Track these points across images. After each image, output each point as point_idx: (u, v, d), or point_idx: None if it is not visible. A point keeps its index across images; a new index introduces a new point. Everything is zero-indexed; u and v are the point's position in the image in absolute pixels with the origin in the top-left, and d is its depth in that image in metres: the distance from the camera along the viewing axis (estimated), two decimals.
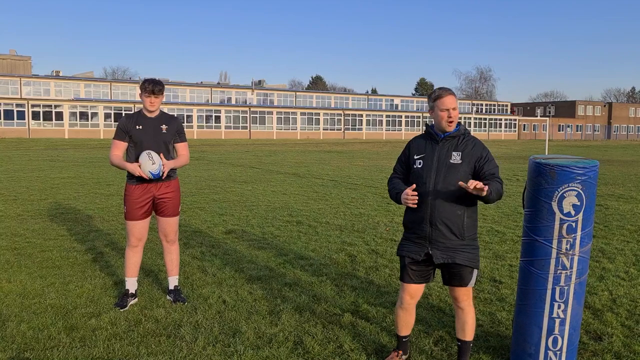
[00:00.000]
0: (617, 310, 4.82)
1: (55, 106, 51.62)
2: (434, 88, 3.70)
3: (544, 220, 3.45)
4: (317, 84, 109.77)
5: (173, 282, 5.06)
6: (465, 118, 73.57)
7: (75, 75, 64.61)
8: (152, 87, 4.68)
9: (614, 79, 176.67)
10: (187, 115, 57.06)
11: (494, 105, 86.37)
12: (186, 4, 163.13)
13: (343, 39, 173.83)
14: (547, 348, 3.55)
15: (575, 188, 3.35)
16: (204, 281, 5.54)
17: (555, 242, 3.42)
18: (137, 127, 4.74)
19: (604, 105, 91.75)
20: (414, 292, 3.61)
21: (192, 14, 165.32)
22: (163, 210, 4.90)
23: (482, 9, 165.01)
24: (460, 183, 3.26)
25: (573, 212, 3.37)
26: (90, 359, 3.78)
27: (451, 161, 3.42)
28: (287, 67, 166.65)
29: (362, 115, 68.12)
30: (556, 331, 3.53)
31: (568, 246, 3.41)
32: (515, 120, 79.98)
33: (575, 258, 3.43)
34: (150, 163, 4.60)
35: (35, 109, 50.57)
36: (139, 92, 4.78)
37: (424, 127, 3.66)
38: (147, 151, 4.65)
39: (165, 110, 5.07)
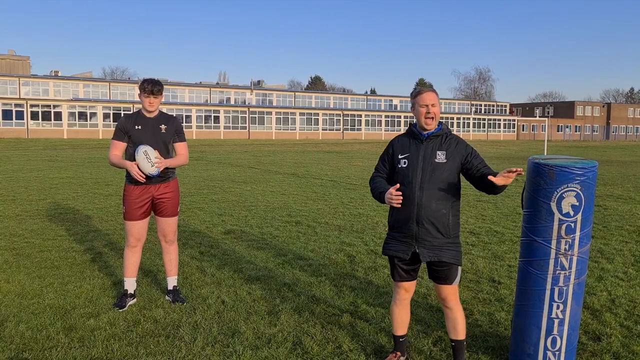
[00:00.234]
0: (615, 311, 4.83)
1: (54, 106, 51.57)
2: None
3: (542, 221, 3.45)
4: (316, 84, 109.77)
5: (172, 282, 5.06)
6: (464, 118, 73.63)
7: (74, 75, 64.57)
8: (151, 87, 4.68)
9: (612, 79, 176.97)
10: (186, 115, 57.04)
11: (493, 105, 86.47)
12: (185, 4, 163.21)
13: (342, 40, 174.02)
14: (546, 348, 3.56)
15: (574, 188, 3.36)
16: (203, 281, 5.54)
17: (554, 242, 3.43)
18: (137, 127, 4.74)
19: (603, 106, 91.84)
20: (408, 286, 3.68)
21: (191, 14, 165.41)
22: (162, 210, 4.90)
23: (481, 10, 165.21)
24: (491, 178, 3.28)
25: (572, 213, 3.38)
26: None
27: (436, 160, 3.47)
28: (286, 68, 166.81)
29: (361, 116, 68.12)
30: (555, 331, 3.53)
31: (567, 246, 3.41)
32: (514, 120, 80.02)
33: (574, 258, 3.44)
34: (150, 165, 4.60)
35: (34, 109, 50.53)
36: (138, 92, 4.78)
37: (407, 126, 3.68)
38: (143, 149, 4.62)
39: (165, 111, 5.05)
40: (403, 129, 69.71)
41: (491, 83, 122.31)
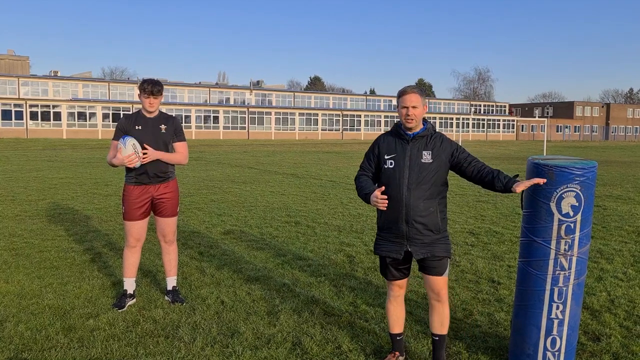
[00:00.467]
0: (615, 311, 4.83)
1: (54, 106, 51.56)
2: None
3: (542, 221, 3.45)
4: (315, 84, 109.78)
5: (171, 282, 5.05)
6: (463, 119, 73.62)
7: (73, 75, 64.56)
8: (151, 87, 4.68)
9: (612, 79, 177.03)
10: (185, 115, 57.04)
11: (492, 106, 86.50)
12: (185, 4, 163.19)
13: (341, 40, 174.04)
14: (545, 349, 3.56)
15: (574, 189, 3.36)
16: (202, 282, 5.54)
17: (553, 242, 3.43)
18: (137, 127, 4.74)
19: (602, 106, 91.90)
20: (401, 284, 3.71)
21: (191, 15, 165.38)
22: (161, 210, 4.90)
23: (480, 10, 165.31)
24: (517, 190, 3.36)
25: (571, 213, 3.38)
26: None
27: (422, 160, 3.49)
28: (285, 68, 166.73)
29: (360, 116, 68.14)
30: (555, 332, 3.53)
31: (566, 247, 3.41)
32: (513, 121, 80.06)
33: (574, 259, 3.44)
34: (135, 158, 4.59)
35: (33, 109, 50.50)
36: (138, 92, 4.78)
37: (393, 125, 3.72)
38: (132, 141, 4.61)
39: (164, 111, 5.05)
40: None
41: (490, 83, 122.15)
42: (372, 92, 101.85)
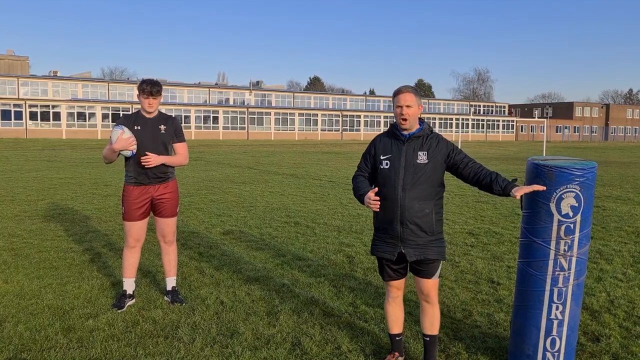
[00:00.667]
0: (614, 312, 4.83)
1: (53, 106, 51.53)
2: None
3: (542, 222, 3.45)
4: (315, 84, 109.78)
5: (171, 283, 5.05)
6: (462, 119, 73.65)
7: (72, 75, 64.54)
8: (150, 88, 4.68)
9: (611, 80, 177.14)
10: (185, 115, 57.03)
11: (492, 106, 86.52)
12: (184, 4, 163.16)
13: (341, 40, 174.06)
14: (545, 349, 3.56)
15: (574, 189, 3.36)
16: (202, 282, 5.54)
17: (553, 243, 3.43)
18: (136, 127, 4.74)
19: (602, 107, 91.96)
20: (398, 284, 3.72)
21: (190, 15, 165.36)
22: (161, 210, 4.90)
23: (480, 10, 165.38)
24: (517, 196, 3.35)
25: (571, 214, 3.38)
26: None
27: (418, 161, 3.48)
28: (285, 68, 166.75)
29: (360, 116, 68.14)
30: (554, 332, 3.53)
31: (566, 247, 3.41)
32: (513, 121, 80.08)
33: (573, 259, 3.44)
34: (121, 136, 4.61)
35: (33, 109, 50.47)
36: (137, 93, 4.77)
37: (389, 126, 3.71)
38: (127, 133, 4.63)
39: (164, 111, 5.04)
40: None
41: (490, 84, 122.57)
42: (372, 93, 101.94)
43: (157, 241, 5.66)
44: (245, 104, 66.07)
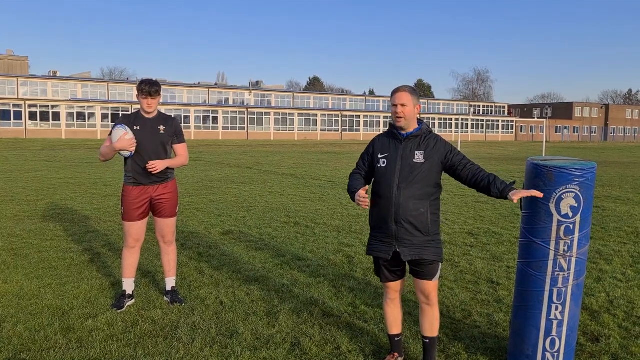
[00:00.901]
0: (614, 312, 4.83)
1: (53, 106, 51.52)
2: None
3: (541, 222, 3.45)
4: (314, 85, 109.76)
5: (170, 283, 5.05)
6: (462, 119, 73.68)
7: (72, 75, 64.50)
8: (149, 88, 4.67)
9: (610, 80, 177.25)
10: (184, 116, 57.02)
11: (491, 106, 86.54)
12: (184, 4, 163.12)
13: (341, 40, 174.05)
14: (544, 349, 3.56)
15: (573, 190, 3.36)
16: (202, 282, 5.54)
17: (552, 243, 3.43)
18: (135, 127, 4.73)
19: (601, 107, 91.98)
20: (394, 286, 3.71)
21: (190, 15, 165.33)
22: (160, 211, 4.90)
23: (479, 11, 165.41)
24: (514, 199, 3.33)
25: (571, 214, 3.38)
26: None
27: (414, 160, 3.49)
28: (284, 68, 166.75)
29: (359, 117, 68.14)
30: (554, 332, 3.53)
31: (566, 248, 3.41)
32: (512, 121, 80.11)
33: (573, 260, 3.44)
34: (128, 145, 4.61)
35: (33, 109, 50.46)
36: (136, 93, 4.77)
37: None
38: (129, 133, 4.62)
39: (163, 111, 5.04)
40: None
41: (489, 84, 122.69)
42: (372, 93, 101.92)
43: (156, 241, 5.66)
44: (245, 104, 66.07)
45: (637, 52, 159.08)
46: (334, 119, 66.49)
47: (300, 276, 5.83)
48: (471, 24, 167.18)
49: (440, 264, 3.60)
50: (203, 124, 58.54)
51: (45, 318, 4.47)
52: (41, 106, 51.01)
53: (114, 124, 4.75)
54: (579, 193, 3.36)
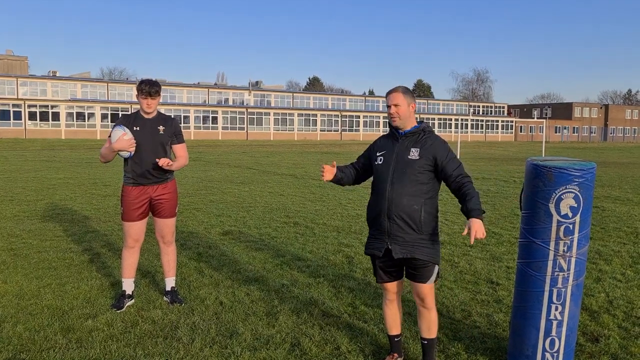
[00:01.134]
0: (613, 312, 4.83)
1: (52, 106, 51.51)
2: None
3: (541, 222, 3.45)
4: (314, 85, 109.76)
5: (170, 283, 5.05)
6: (462, 120, 73.69)
7: (72, 75, 64.45)
8: (149, 88, 4.67)
9: (610, 80, 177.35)
10: (184, 116, 57.01)
11: (491, 106, 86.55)
12: (184, 5, 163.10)
13: (340, 40, 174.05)
14: (544, 350, 3.56)
15: (573, 190, 3.36)
16: (201, 282, 5.54)
17: (552, 244, 3.43)
18: (135, 128, 4.73)
19: (601, 107, 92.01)
20: (391, 287, 3.71)
21: (190, 15, 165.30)
22: (160, 211, 4.90)
23: (479, 11, 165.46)
24: (465, 231, 3.29)
25: (570, 214, 3.38)
26: None
27: (409, 157, 3.50)
28: (284, 68, 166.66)
29: (359, 117, 68.16)
30: (553, 333, 3.53)
31: (565, 248, 3.42)
32: (512, 121, 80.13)
33: (573, 260, 3.44)
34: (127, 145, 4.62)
35: (32, 109, 50.45)
36: (136, 93, 4.77)
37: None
38: (127, 133, 4.62)
39: (163, 111, 5.05)
40: None
41: (489, 84, 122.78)
42: (371, 93, 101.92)
43: (156, 241, 5.66)
44: (245, 104, 66.06)
45: (637, 52, 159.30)
46: (333, 119, 66.50)
47: (300, 276, 5.83)
48: (471, 24, 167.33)
49: (436, 266, 3.54)
50: (203, 124, 58.53)
51: (45, 318, 4.47)
52: (41, 106, 50.99)
53: (113, 124, 4.75)
54: (578, 193, 3.36)
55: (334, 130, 66.16)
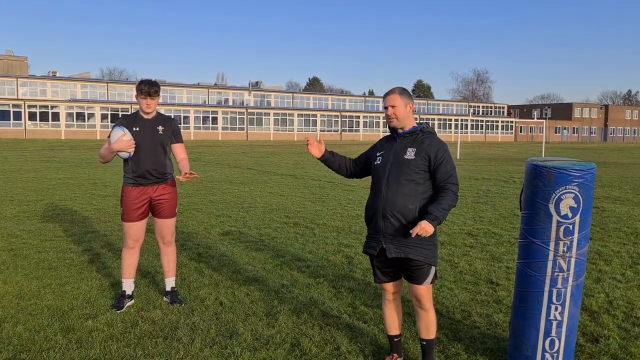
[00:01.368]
0: (613, 313, 4.83)
1: (52, 107, 51.51)
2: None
3: (541, 223, 3.45)
4: (314, 85, 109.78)
5: (170, 283, 5.05)
6: (462, 120, 73.71)
7: (72, 75, 64.44)
8: (148, 88, 4.68)
9: (610, 81, 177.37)
10: (184, 116, 57.01)
11: (491, 107, 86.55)
12: (183, 5, 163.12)
13: (340, 41, 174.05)
14: (544, 350, 3.56)
15: (573, 190, 3.36)
16: (201, 283, 5.54)
17: (552, 244, 3.43)
18: (134, 128, 4.73)
19: (601, 108, 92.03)
20: (390, 287, 3.71)
21: (190, 15, 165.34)
22: (160, 211, 4.90)
23: (479, 11, 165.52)
24: (413, 232, 3.24)
25: (570, 215, 3.38)
26: None
27: (405, 157, 3.51)
28: (284, 69, 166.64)
29: (359, 117, 68.17)
30: (553, 333, 3.53)
31: (565, 248, 3.42)
32: (512, 122, 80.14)
33: (572, 260, 3.44)
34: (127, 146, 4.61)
35: (32, 110, 50.45)
36: (135, 93, 4.77)
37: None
38: (126, 133, 4.63)
39: (162, 112, 5.05)
40: None
41: (489, 85, 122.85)
42: (371, 93, 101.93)
43: (156, 242, 5.66)
44: (245, 104, 66.06)
45: (637, 52, 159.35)
46: (333, 119, 66.51)
47: (300, 277, 5.83)
48: (471, 24, 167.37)
49: (433, 268, 3.52)
50: (202, 124, 58.53)
51: (45, 318, 4.47)
52: (40, 106, 50.99)
53: (113, 125, 4.75)
54: (578, 194, 3.36)
55: (334, 131, 66.18)
